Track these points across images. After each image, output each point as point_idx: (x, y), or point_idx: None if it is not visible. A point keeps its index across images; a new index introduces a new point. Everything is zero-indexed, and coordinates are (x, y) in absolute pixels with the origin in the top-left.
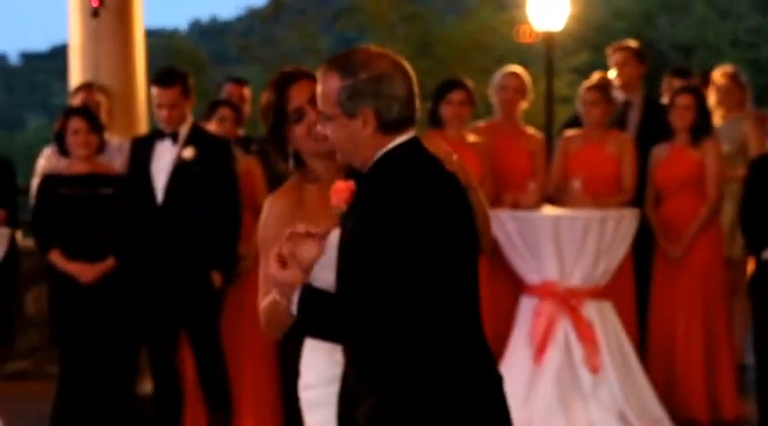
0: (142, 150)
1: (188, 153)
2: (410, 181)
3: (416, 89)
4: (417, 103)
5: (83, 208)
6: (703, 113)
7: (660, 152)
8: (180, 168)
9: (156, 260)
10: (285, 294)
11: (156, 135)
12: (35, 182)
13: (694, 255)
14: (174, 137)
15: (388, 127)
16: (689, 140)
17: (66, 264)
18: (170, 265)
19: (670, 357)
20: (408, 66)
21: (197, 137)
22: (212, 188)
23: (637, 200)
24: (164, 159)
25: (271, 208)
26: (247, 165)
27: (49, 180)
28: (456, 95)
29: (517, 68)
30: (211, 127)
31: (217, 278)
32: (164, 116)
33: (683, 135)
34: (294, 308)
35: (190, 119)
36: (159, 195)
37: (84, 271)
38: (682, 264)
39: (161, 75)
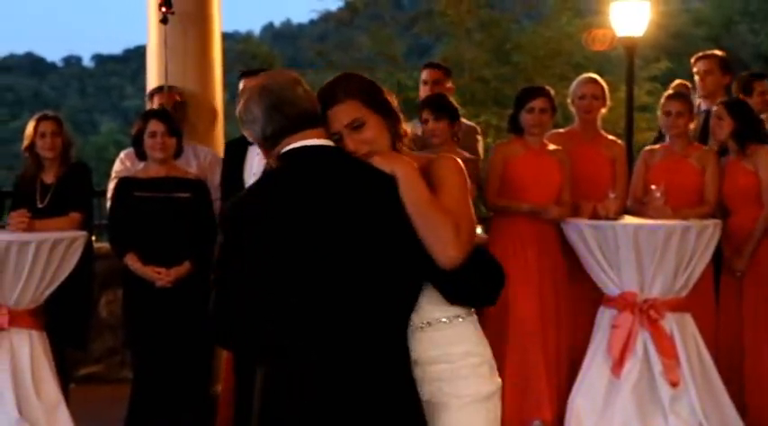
0: (235, 155)
1: None
2: (249, 189)
3: (284, 99)
4: (290, 109)
5: (159, 212)
6: (744, 122)
7: (722, 165)
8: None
9: None
10: None
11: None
12: (111, 186)
13: (758, 266)
14: None
15: (268, 141)
16: (738, 151)
17: (142, 268)
18: None
19: (739, 370)
20: (272, 82)
21: None
22: None
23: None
24: (255, 165)
25: None
26: None
27: (125, 183)
28: (538, 103)
29: (594, 75)
30: None
31: None
32: None
33: (731, 147)
34: None
35: None
36: None
37: (161, 276)
38: (746, 276)
39: (249, 69)
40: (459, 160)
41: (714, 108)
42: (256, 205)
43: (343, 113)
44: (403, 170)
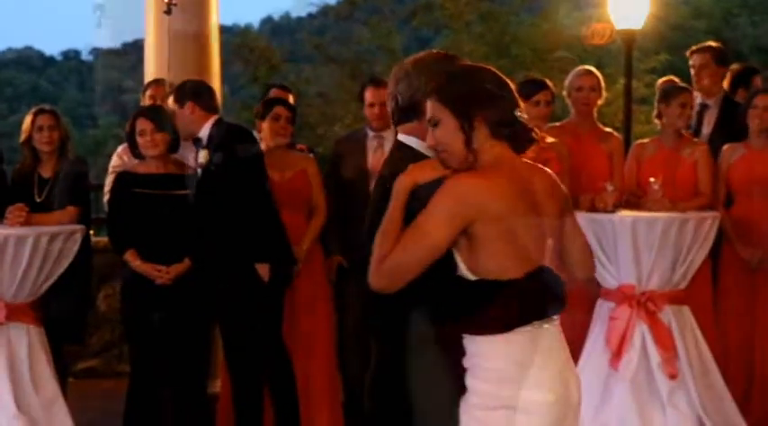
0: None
1: (201, 156)
2: None
3: (392, 92)
4: (392, 103)
5: (157, 210)
6: None
7: (735, 152)
8: (203, 173)
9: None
10: None
11: None
12: (108, 180)
13: None
14: (199, 143)
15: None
16: (767, 142)
17: (142, 265)
18: (215, 264)
19: (748, 364)
20: (394, 71)
21: (215, 136)
22: (233, 183)
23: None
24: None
25: None
26: (303, 165)
27: (124, 178)
28: (543, 95)
29: (590, 67)
30: (265, 125)
31: (262, 270)
32: None
33: (762, 136)
34: None
35: (209, 123)
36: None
37: (161, 273)
38: (760, 268)
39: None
40: (466, 183)
41: (757, 97)
42: None
43: (428, 109)
44: (397, 184)
